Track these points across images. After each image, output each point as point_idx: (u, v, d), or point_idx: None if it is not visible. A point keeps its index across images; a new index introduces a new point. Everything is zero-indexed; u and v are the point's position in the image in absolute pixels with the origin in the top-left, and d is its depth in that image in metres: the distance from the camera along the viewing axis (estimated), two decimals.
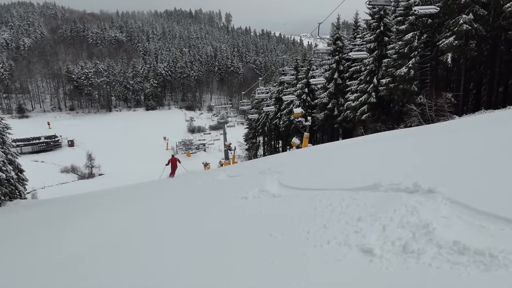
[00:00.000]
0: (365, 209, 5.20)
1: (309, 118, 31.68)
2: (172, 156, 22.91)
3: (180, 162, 22.32)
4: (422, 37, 28.08)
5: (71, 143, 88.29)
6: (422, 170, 6.54)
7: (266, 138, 65.18)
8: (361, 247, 4.08)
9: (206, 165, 56.59)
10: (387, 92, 30.66)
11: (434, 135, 10.82)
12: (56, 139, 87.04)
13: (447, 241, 3.82)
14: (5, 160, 23.59)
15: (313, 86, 43.18)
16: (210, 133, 74.58)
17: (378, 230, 4.41)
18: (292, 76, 40.66)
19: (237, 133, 70.13)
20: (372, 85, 32.81)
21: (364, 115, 33.30)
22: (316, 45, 37.51)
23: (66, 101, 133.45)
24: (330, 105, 39.15)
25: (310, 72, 44.16)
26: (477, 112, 24.71)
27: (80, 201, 15.71)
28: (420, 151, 8.56)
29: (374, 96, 32.68)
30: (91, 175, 67.82)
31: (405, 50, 28.40)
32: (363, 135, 27.52)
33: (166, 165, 22.14)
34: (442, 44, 25.55)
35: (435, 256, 3.61)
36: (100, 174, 68.92)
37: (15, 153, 26.44)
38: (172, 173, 21.71)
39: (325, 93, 39.77)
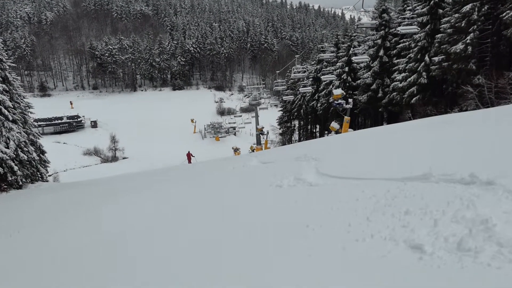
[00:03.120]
0: (413, 201, 5.12)
1: (350, 100, 31.23)
2: (188, 152, 35.22)
3: (193, 156, 34.18)
4: (483, 9, 26.88)
5: (94, 124, 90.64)
6: (479, 160, 6.35)
7: (302, 122, 64.82)
8: (409, 242, 4.03)
9: (236, 150, 56.96)
10: (439, 72, 29.72)
11: (493, 121, 10.41)
12: (79, 119, 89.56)
13: (509, 239, 3.70)
14: (27, 141, 24.57)
15: (355, 64, 42.42)
16: (241, 116, 74.38)
17: (428, 224, 4.34)
18: (331, 54, 39.99)
19: (270, 116, 70.09)
20: (423, 63, 31.87)
21: (413, 98, 32.47)
22: (359, 19, 36.60)
23: (89, 79, 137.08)
24: (374, 86, 38.38)
25: (352, 49, 43.25)
26: None
27: (107, 185, 16.20)
28: (477, 138, 8.27)
29: (425, 76, 31.76)
30: (114, 159, 69.54)
31: (462, 24, 27.32)
32: (411, 119, 26.92)
33: (187, 159, 34.64)
34: (507, 17, 24.39)
35: (495, 256, 3.50)
36: (124, 158, 70.57)
37: (37, 133, 27.53)
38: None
39: (369, 73, 38.99)
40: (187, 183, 11.62)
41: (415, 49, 32.99)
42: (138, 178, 17.03)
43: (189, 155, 34.92)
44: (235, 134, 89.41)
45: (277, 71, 46.74)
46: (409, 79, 33.22)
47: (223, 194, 8.67)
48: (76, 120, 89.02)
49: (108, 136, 72.27)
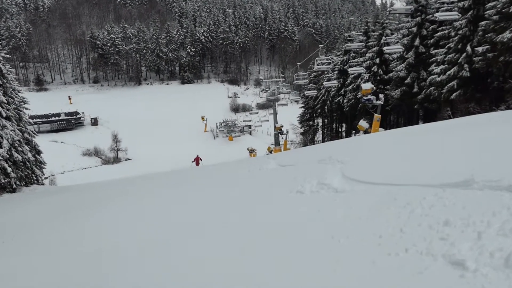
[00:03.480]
0: (454, 210, 5.07)
1: (381, 96, 30.98)
2: (197, 156, 36.39)
3: (201, 160, 35.76)
4: None
5: (94, 122, 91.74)
6: None
7: (326, 120, 64.56)
8: (449, 257, 3.99)
9: (251, 151, 57.01)
10: (483, 64, 29.31)
11: None
12: (78, 116, 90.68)
13: None
14: (22, 140, 24.91)
15: (387, 55, 42.04)
16: (257, 113, 74.39)
17: (471, 237, 4.29)
18: (360, 43, 39.72)
19: (290, 113, 69.89)
20: (464, 54, 31.46)
21: (453, 93, 32.07)
22: (392, 4, 36.45)
23: (90, 72, 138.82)
24: (408, 80, 38.01)
25: (384, 38, 42.93)
26: None
27: (108, 189, 16.36)
28: None
29: (466, 69, 31.33)
30: (116, 160, 70.29)
31: (511, 10, 26.90)
32: (451, 118, 26.59)
33: (192, 162, 35.55)
34: None
35: None
36: (127, 159, 71.27)
37: (32, 131, 27.92)
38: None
39: (403, 65, 38.62)
40: (194, 189, 11.68)
41: (456, 38, 32.57)
42: (139, 182, 17.21)
43: (197, 160, 36.03)
44: (250, 134, 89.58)
45: (298, 63, 46.68)
46: (448, 72, 32.82)
47: (236, 201, 8.69)
48: (74, 117, 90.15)
49: (110, 135, 73.02)
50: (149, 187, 14.36)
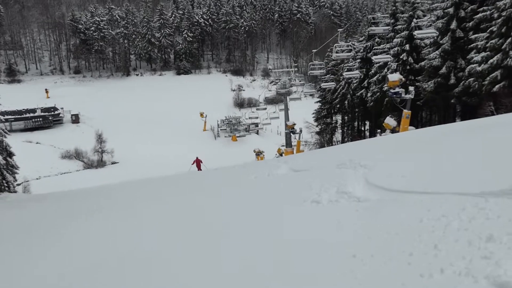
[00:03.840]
0: (498, 224, 5.03)
1: (411, 88, 30.87)
2: (197, 158, 36.91)
3: (202, 163, 36.28)
4: None
5: (75, 119, 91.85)
6: None
7: (346, 117, 64.51)
8: (493, 279, 3.95)
9: (259, 154, 56.93)
10: None
11: None
12: (56, 112, 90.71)
13: None
14: None
15: (419, 41, 41.95)
16: (265, 109, 74.02)
17: None
18: (386, 27, 39.56)
19: (304, 109, 69.79)
20: (509, 40, 31.33)
21: (496, 85, 31.94)
22: None
23: (70, 60, 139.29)
24: (443, 70, 37.91)
25: (415, 20, 42.76)
26: None
27: (89, 198, 16.38)
28: None
29: None
30: (101, 163, 70.39)
31: None
32: (494, 114, 26.46)
33: (192, 164, 35.93)
34: None
35: None
36: (113, 163, 71.40)
37: (3, 130, 28.01)
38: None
39: (437, 52, 38.52)
40: (187, 200, 11.64)
41: (499, 20, 32.45)
42: (124, 190, 17.20)
43: (198, 162, 36.58)
44: (257, 133, 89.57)
45: (314, 50, 46.72)
46: (490, 60, 32.70)
47: (238, 214, 8.64)
48: (52, 113, 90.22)
49: (93, 135, 73.14)
50: (132, 198, 14.34)
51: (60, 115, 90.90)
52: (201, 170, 35.05)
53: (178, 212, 10.11)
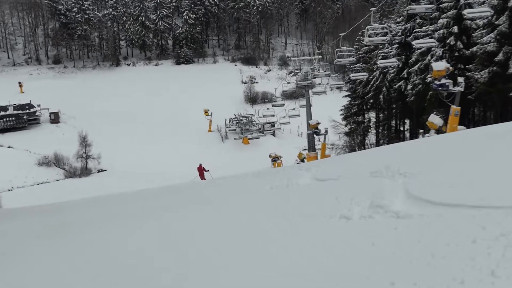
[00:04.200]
0: None
1: (460, 79, 30.81)
2: (200, 165, 38.79)
3: (206, 171, 38.07)
4: None
5: (55, 118, 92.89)
6: None
7: (381, 115, 64.81)
8: None
9: (275, 159, 57.26)
10: None
11: None
12: (31, 110, 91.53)
13: None
14: None
15: (469, 22, 41.86)
16: (283, 105, 74.05)
17: None
18: (430, 6, 39.35)
19: (330, 105, 70.21)
20: None
21: None
22: None
23: (49, 48, 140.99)
24: (500, 56, 37.77)
25: None
26: None
27: (61, 216, 16.26)
28: None
29: None
30: (85, 172, 71.05)
31: None
32: None
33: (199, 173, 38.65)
34: None
35: None
36: (100, 170, 72.10)
37: None
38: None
39: (491, 35, 38.45)
40: (184, 217, 11.41)
41: None
42: (110, 204, 17.12)
43: (201, 169, 38.05)
44: (274, 134, 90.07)
45: (341, 34, 46.62)
46: None
47: (245, 236, 8.39)
48: (27, 111, 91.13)
49: (77, 137, 73.98)
50: (109, 216, 14.20)
51: (37, 113, 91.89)
52: (205, 179, 35.99)
53: (160, 234, 9.84)
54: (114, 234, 10.73)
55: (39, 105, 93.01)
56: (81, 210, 17.37)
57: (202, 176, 37.47)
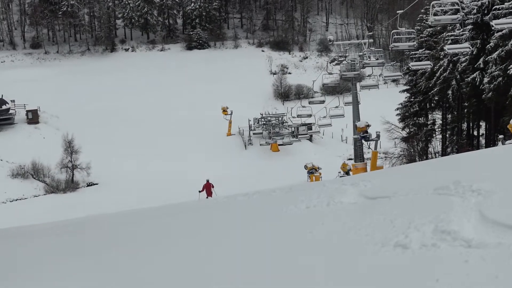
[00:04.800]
0: None
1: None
2: (207, 181, 41.13)
3: (213, 187, 40.60)
4: None
5: (33, 117, 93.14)
6: None
7: (449, 116, 64.17)
8: None
9: (312, 171, 57.14)
10: None
11: None
12: (3, 108, 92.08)
13: None
14: None
15: None
16: (322, 102, 73.68)
17: None
18: None
19: (383, 102, 69.96)
20: None
21: None
22: None
23: (26, 29, 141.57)
24: None
25: None
26: None
27: (37, 242, 16.42)
28: None
29: None
30: (71, 185, 71.08)
31: None
32: None
33: (200, 191, 40.17)
34: None
35: None
36: (90, 184, 72.12)
37: None
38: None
39: None
40: (190, 247, 11.47)
41: None
42: (101, 227, 17.22)
43: (208, 187, 40.48)
44: (311, 139, 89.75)
45: (398, 12, 46.43)
46: None
47: (270, 268, 8.42)
48: None
49: (60, 141, 73.98)
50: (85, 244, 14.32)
51: (10, 111, 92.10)
52: (211, 196, 38.57)
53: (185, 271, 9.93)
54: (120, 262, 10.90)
55: (13, 101, 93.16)
56: (59, 236, 17.53)
57: (209, 193, 39.84)
